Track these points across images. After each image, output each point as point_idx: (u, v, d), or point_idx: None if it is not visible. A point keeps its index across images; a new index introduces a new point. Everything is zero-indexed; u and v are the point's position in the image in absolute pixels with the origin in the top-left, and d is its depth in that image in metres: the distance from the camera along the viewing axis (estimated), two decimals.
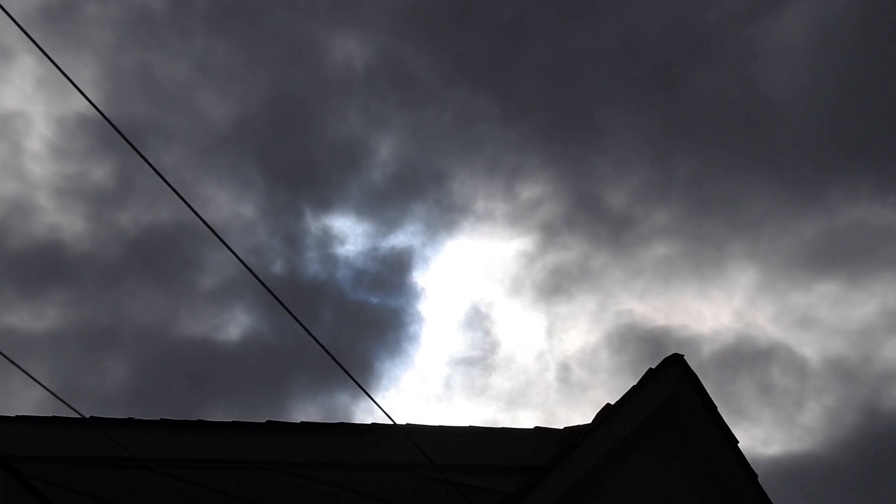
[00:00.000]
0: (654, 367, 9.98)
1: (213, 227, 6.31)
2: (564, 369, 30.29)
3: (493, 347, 31.29)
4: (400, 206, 32.46)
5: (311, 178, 31.53)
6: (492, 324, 31.86)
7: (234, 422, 10.39)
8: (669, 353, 10.22)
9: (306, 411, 29.11)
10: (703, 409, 10.11)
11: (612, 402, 9.74)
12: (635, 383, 9.93)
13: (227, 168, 31.06)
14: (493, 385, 30.91)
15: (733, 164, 30.87)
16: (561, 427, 9.79)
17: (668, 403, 10.07)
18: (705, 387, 10.29)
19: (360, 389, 7.14)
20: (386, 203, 32.48)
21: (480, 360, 31.30)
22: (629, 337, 29.06)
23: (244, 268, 6.50)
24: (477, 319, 32.18)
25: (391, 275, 31.86)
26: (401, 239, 32.73)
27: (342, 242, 31.92)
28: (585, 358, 30.06)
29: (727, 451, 10.14)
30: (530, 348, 32.69)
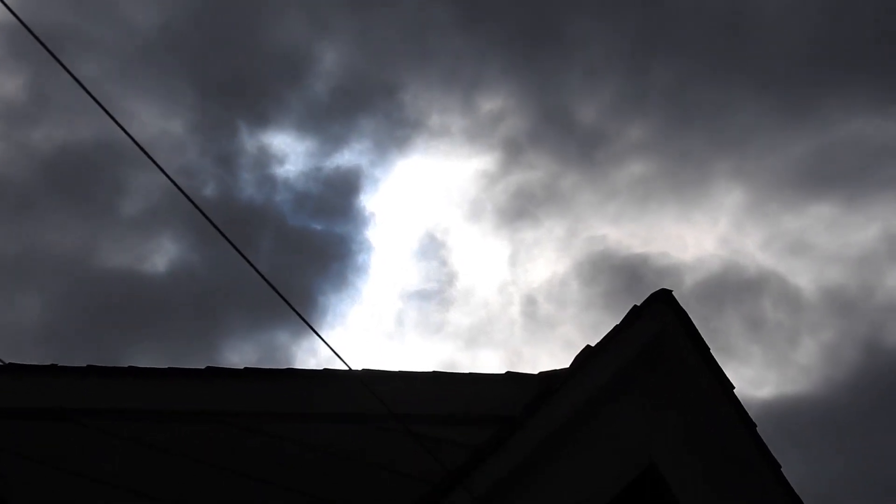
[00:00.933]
0: (638, 304, 9.32)
1: (138, 142, 5.81)
2: (530, 303, 28.41)
3: (450, 279, 29.31)
4: (346, 122, 30.37)
5: (248, 90, 29.67)
6: (448, 252, 29.97)
7: (169, 368, 9.77)
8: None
9: (242, 352, 27.42)
10: (694, 351, 9.46)
11: (592, 344, 8.98)
12: (618, 323, 9.21)
13: (153, 80, 28.81)
14: (451, 321, 28.81)
15: (717, 73, 28.82)
16: (535, 372, 9.02)
17: (655, 345, 9.40)
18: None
19: (304, 327, 6.74)
20: (330, 118, 30.35)
21: (436, 294, 29.26)
22: (602, 266, 27.32)
23: (172, 191, 6.04)
24: (432, 248, 30.19)
25: (336, 198, 29.72)
26: (347, 158, 30.59)
27: (281, 162, 29.75)
28: (554, 290, 28.27)
29: (721, 399, 9.58)
30: (492, 280, 30.75)
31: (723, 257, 28.13)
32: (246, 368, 9.64)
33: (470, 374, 9.39)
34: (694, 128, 29.83)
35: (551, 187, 29.00)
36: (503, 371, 9.22)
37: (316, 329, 6.87)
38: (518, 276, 29.30)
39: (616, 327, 9.05)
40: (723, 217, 29.46)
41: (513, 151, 30.19)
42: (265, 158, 30.01)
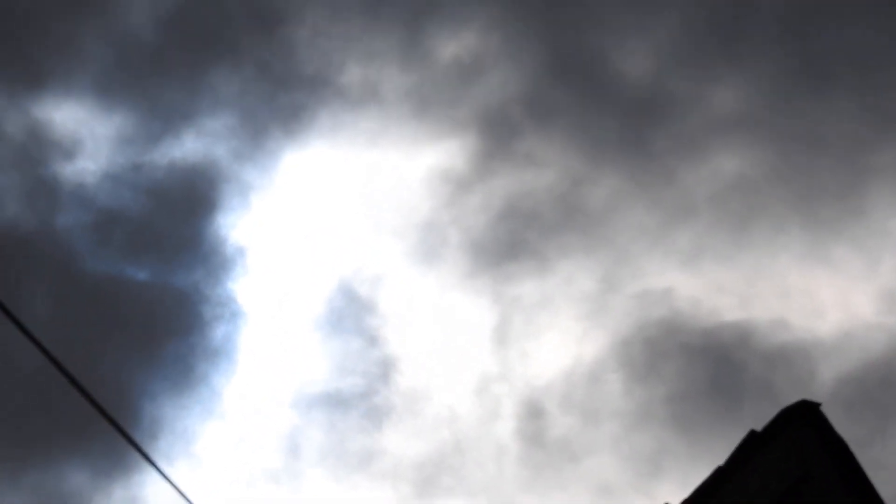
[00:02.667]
0: (758, 429, 6.44)
1: None
2: (533, 415, 16.72)
3: (384, 369, 17.50)
4: (189, 78, 17.59)
5: (7, 19, 16.81)
6: (382, 321, 17.90)
7: None
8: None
9: None
10: None
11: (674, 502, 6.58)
12: (721, 463, 6.38)
13: None
14: (389, 449, 16.85)
15: None
16: None
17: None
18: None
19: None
20: (160, 70, 17.65)
21: (361, 398, 17.28)
22: (667, 347, 16.70)
23: None
24: (353, 310, 18.01)
25: (174, 220, 17.58)
26: (191, 145, 17.72)
27: (71, 154, 17.11)
28: (576, 391, 16.91)
29: None
30: (462, 372, 18.10)
31: (891, 329, 17.23)
32: None
33: None
34: (833, 74, 17.46)
35: (569, 199, 18.08)
36: None
37: (156, 464, 5.19)
38: (510, 365, 17.95)
39: (718, 470, 6.43)
40: (892, 255, 17.68)
41: (499, 132, 18.30)
42: (42, 146, 17.52)
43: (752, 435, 6.33)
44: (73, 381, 4.96)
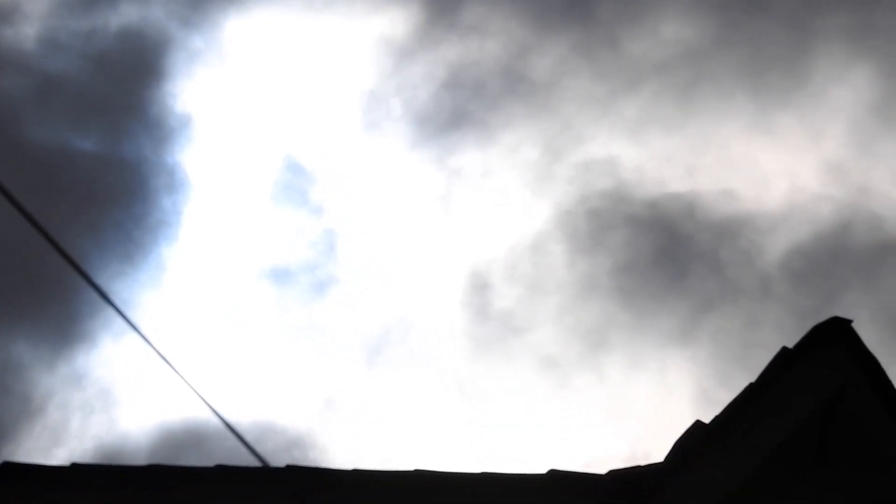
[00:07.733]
0: (790, 346, 6.20)
1: None
2: (479, 287, 16.20)
3: (328, 243, 17.16)
4: None
5: None
6: (325, 193, 17.38)
7: None
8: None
9: None
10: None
11: (705, 420, 6.03)
12: (753, 380, 6.13)
13: None
14: (330, 323, 16.62)
15: None
16: (601, 470, 6.02)
17: (823, 421, 6.21)
18: None
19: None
20: None
21: (304, 270, 17.08)
22: (611, 218, 16.28)
23: None
24: (295, 183, 17.63)
25: (118, 89, 16.74)
26: (132, 10, 17.34)
27: (8, 18, 16.62)
28: (520, 262, 16.35)
29: None
30: (407, 244, 17.44)
31: (838, 201, 15.95)
32: None
33: (479, 474, 5.93)
34: None
35: (514, 68, 17.09)
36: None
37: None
38: (454, 238, 17.39)
39: (751, 386, 6.17)
40: (836, 125, 16.58)
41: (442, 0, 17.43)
42: None
43: (784, 351, 6.20)
44: (24, 213, 4.21)
